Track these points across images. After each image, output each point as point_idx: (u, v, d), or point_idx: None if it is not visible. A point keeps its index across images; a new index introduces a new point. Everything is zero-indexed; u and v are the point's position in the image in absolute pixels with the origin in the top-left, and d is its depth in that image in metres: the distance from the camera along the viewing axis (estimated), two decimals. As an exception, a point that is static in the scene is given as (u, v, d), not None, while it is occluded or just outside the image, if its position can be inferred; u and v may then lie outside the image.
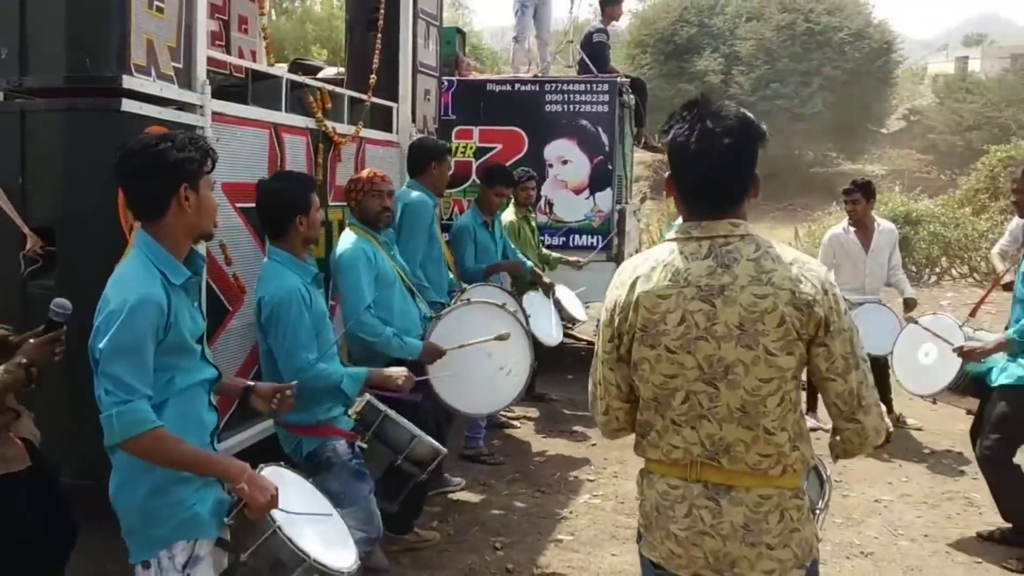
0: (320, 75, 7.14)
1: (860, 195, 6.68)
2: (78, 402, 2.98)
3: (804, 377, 2.12)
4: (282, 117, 4.45)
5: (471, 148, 8.01)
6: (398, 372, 3.79)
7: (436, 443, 3.83)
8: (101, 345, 2.32)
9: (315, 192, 3.67)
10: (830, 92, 28.29)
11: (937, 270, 15.06)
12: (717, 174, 2.11)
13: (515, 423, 6.75)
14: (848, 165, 30.70)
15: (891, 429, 2.20)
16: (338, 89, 5.25)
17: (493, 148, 7.99)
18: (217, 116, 3.79)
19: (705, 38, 30.85)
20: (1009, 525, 4.76)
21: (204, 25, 3.74)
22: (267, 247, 3.65)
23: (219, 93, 4.13)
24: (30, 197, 3.40)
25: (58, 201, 3.40)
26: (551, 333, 6.15)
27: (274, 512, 2.47)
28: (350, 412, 3.55)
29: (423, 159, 5.14)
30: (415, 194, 5.04)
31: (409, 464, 3.72)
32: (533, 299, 6.21)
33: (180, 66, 3.55)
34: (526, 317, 5.10)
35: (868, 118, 30.70)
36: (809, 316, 2.02)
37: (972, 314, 5.61)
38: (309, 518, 2.65)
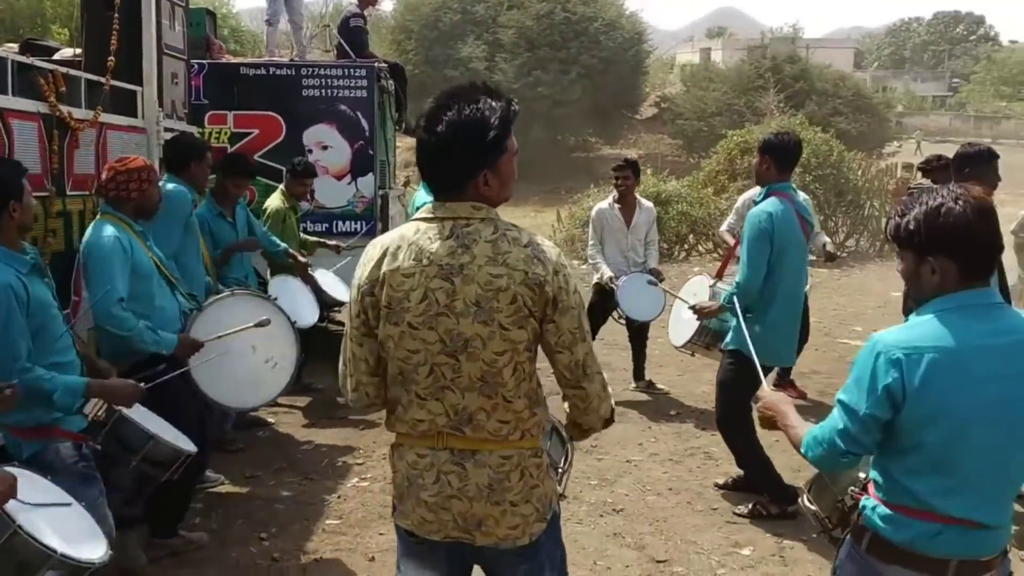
0: (57, 56, 6.68)
1: (630, 172, 7.25)
2: None
3: None
4: (8, 101, 4.13)
5: (226, 134, 7.73)
6: (123, 385, 3.48)
7: (178, 444, 3.67)
8: None
9: (26, 177, 3.35)
10: (588, 80, 29.56)
11: (686, 246, 16.16)
12: (435, 161, 2.23)
13: (269, 419, 6.54)
14: (607, 149, 32.36)
15: (614, 407, 2.41)
16: (74, 71, 4.93)
17: (249, 133, 7.76)
18: (-72, 101, 3.49)
19: (468, 25, 31.42)
20: (741, 472, 5.26)
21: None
22: None
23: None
24: None
25: None
26: (304, 316, 6.10)
27: (11, 509, 2.39)
28: (86, 411, 3.36)
29: (182, 158, 5.08)
30: (172, 185, 4.92)
31: (147, 465, 3.55)
32: (287, 281, 6.27)
33: None
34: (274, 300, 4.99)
35: (623, 105, 32.45)
36: (540, 295, 2.16)
37: (718, 275, 6.15)
38: (49, 510, 2.58)
